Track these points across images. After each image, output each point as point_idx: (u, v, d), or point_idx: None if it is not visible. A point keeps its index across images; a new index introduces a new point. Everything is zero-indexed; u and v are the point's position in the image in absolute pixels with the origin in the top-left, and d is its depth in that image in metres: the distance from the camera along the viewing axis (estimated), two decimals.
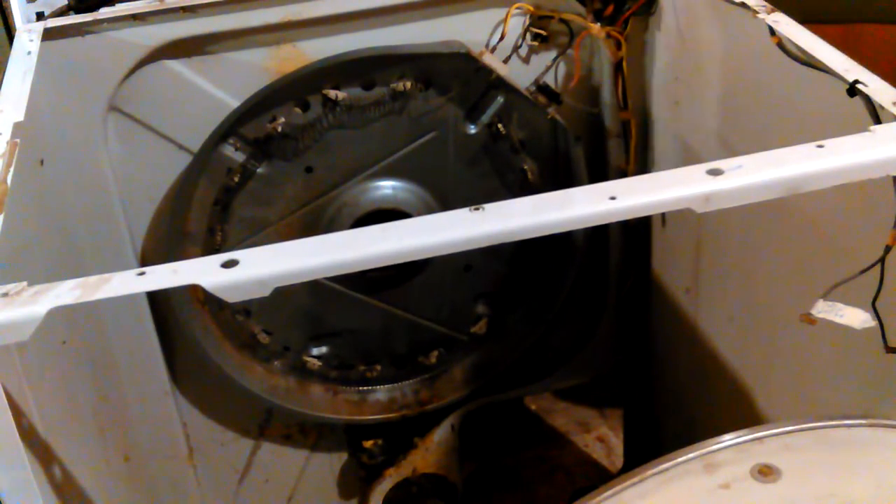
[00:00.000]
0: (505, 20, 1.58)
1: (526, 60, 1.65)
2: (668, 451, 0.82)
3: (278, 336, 1.76)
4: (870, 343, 1.05)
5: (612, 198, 0.83)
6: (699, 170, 0.86)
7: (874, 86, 1.03)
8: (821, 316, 1.01)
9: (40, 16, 1.51)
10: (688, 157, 1.56)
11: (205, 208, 1.61)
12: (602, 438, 2.37)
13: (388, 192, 1.67)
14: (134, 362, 1.68)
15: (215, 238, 1.64)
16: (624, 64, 1.61)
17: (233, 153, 1.58)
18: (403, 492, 1.87)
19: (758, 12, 1.24)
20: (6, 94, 1.20)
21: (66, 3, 1.51)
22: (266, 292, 0.78)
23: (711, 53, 1.43)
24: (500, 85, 1.62)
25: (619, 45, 1.59)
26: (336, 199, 1.66)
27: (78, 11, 1.49)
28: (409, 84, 1.58)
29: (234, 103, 1.55)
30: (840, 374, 1.21)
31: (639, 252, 1.82)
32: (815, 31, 1.17)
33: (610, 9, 1.56)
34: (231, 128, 1.55)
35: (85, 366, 1.37)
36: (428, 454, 1.87)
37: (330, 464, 1.98)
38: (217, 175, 1.59)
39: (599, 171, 1.74)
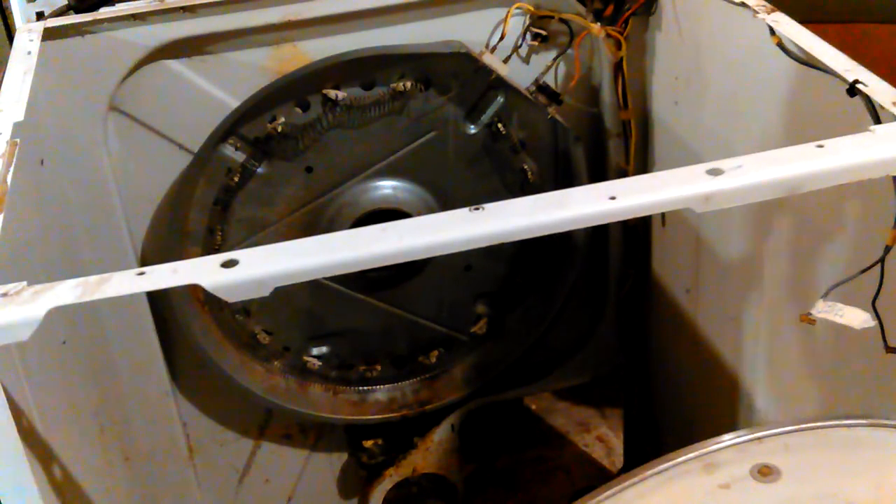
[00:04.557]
0: (505, 20, 1.58)
1: (526, 60, 1.65)
2: (668, 451, 0.82)
3: (278, 336, 1.76)
4: (870, 343, 1.05)
5: (612, 198, 0.83)
6: (699, 170, 0.86)
7: (874, 86, 1.03)
8: (821, 316, 1.01)
9: (40, 15, 1.51)
10: (688, 157, 1.56)
11: (205, 208, 1.61)
12: (602, 438, 2.37)
13: (388, 192, 1.67)
14: (134, 362, 1.68)
15: (215, 238, 1.64)
16: (624, 64, 1.61)
17: (233, 153, 1.58)
18: (403, 492, 1.87)
19: (758, 12, 1.24)
20: (6, 93, 1.20)
21: (66, 2, 1.51)
22: (266, 292, 0.78)
23: (711, 53, 1.43)
24: (500, 85, 1.62)
25: (619, 45, 1.59)
26: (336, 199, 1.66)
27: (78, 11, 1.49)
28: (409, 84, 1.58)
29: (234, 103, 1.55)
30: (840, 374, 1.21)
31: (639, 252, 1.82)
32: (815, 31, 1.17)
33: (610, 9, 1.56)
34: (231, 128, 1.55)
35: (85, 366, 1.37)
36: (428, 454, 1.87)
37: (330, 464, 1.98)
38: (217, 175, 1.59)
39: (599, 171, 1.74)
